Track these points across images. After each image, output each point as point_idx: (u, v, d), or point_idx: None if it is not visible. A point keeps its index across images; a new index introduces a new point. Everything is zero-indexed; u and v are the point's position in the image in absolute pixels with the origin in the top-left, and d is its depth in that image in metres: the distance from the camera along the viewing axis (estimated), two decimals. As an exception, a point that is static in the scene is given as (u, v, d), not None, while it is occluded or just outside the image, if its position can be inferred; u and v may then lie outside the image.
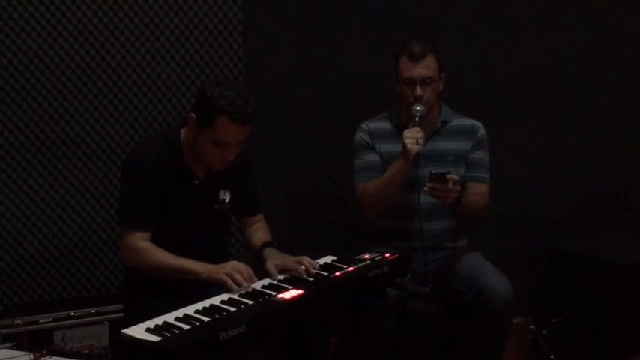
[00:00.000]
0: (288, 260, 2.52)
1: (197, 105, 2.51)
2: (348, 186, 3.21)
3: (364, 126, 3.12)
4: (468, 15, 3.69)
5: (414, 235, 3.00)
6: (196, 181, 2.61)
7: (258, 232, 2.79)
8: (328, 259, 2.63)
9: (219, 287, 2.38)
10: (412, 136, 2.83)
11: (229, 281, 2.35)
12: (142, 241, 2.51)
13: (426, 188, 2.78)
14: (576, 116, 3.98)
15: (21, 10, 3.00)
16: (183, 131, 2.60)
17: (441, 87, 3.03)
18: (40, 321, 2.90)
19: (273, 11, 3.39)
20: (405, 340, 2.93)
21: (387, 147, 3.06)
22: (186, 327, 2.01)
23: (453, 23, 3.65)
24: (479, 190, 3.01)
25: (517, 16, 3.78)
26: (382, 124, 3.12)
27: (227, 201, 2.70)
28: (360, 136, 3.11)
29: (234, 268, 2.40)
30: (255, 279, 2.42)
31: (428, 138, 3.00)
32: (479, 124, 3.11)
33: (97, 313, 2.97)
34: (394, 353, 2.88)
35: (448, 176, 2.74)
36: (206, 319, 2.07)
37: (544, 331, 3.57)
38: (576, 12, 3.89)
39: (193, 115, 2.50)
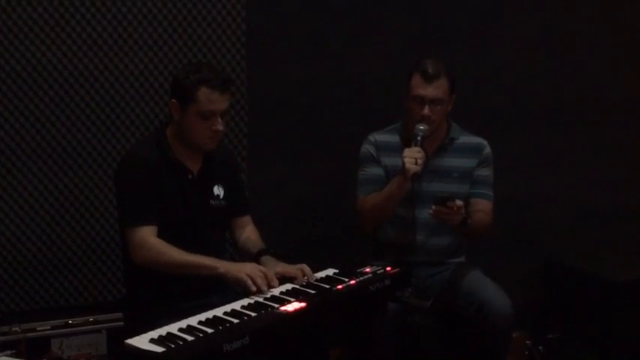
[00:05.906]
0: (290, 268, 2.53)
1: (174, 90, 2.60)
2: (349, 197, 3.20)
3: (371, 138, 3.10)
4: (469, 29, 3.70)
5: (412, 250, 3.00)
6: (190, 176, 2.64)
7: (251, 236, 2.80)
8: (330, 271, 2.63)
9: (228, 290, 2.43)
10: (412, 156, 2.82)
11: (249, 281, 2.35)
12: (152, 237, 2.50)
13: (430, 211, 2.79)
14: (576, 131, 3.99)
15: (25, 18, 2.99)
16: (167, 130, 2.67)
17: (450, 108, 3.02)
18: (38, 329, 2.88)
19: (277, 23, 3.40)
20: (405, 354, 2.93)
21: (392, 160, 3.03)
22: (190, 338, 2.00)
23: (454, 37, 3.66)
24: (483, 208, 3.03)
25: (517, 31, 3.80)
26: (390, 137, 3.10)
27: (222, 197, 2.73)
28: (366, 148, 3.09)
29: (256, 269, 2.40)
30: (276, 283, 2.41)
31: (434, 154, 3.01)
32: (484, 142, 3.11)
33: (94, 322, 2.96)
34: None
35: (449, 203, 2.75)
36: (210, 330, 2.06)
37: (540, 347, 3.58)
38: (577, 27, 3.91)
39: (174, 100, 2.58)
